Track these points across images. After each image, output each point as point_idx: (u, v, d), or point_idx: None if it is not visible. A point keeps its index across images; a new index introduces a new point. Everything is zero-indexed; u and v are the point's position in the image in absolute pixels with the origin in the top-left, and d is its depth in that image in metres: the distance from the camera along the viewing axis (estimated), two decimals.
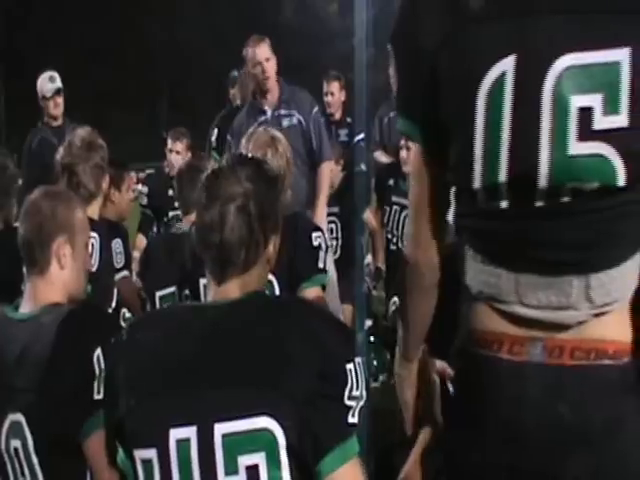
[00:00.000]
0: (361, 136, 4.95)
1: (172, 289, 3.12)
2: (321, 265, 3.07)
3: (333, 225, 5.95)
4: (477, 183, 1.55)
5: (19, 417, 2.14)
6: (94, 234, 3.21)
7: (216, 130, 5.92)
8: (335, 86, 6.57)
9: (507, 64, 1.49)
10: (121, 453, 1.76)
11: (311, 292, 3.00)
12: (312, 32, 18.17)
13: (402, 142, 5.48)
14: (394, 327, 2.78)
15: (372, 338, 5.31)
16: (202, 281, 2.95)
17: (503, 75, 1.49)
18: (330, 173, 5.53)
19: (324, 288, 3.15)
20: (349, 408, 1.68)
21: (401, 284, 1.79)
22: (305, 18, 19.27)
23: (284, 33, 18.13)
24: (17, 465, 2.16)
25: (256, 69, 5.27)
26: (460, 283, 1.71)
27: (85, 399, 2.10)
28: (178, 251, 3.08)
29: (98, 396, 2.10)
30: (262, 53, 5.31)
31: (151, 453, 1.67)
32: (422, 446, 2.05)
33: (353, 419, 1.71)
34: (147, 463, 1.68)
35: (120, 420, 1.72)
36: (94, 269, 3.19)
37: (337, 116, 6.54)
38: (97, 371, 2.11)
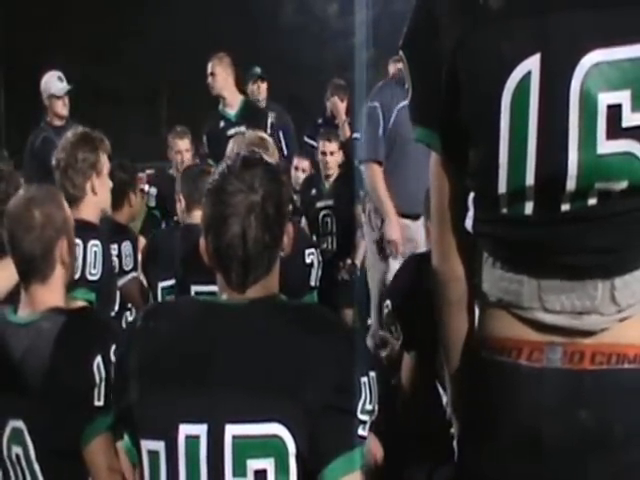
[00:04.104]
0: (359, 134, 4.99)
1: (174, 281, 3.13)
2: (312, 283, 3.09)
3: (328, 219, 5.91)
4: (502, 188, 1.50)
5: (20, 424, 2.13)
6: (96, 241, 3.16)
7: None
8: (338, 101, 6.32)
9: (531, 63, 1.44)
10: (127, 439, 1.75)
11: None
12: (312, 32, 18.15)
13: None
14: (389, 329, 2.79)
15: None
16: (194, 288, 2.98)
17: (528, 75, 1.44)
18: None
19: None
20: (361, 422, 1.66)
21: (434, 300, 1.72)
22: (305, 18, 19.26)
23: (284, 33, 18.12)
24: (19, 471, 2.16)
25: None
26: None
27: (86, 406, 2.10)
28: (180, 245, 3.11)
29: (99, 402, 2.10)
30: None
31: (159, 445, 1.66)
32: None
33: (363, 432, 1.70)
34: (154, 455, 1.67)
35: (129, 407, 1.71)
36: (97, 277, 3.16)
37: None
38: (97, 378, 2.11)
